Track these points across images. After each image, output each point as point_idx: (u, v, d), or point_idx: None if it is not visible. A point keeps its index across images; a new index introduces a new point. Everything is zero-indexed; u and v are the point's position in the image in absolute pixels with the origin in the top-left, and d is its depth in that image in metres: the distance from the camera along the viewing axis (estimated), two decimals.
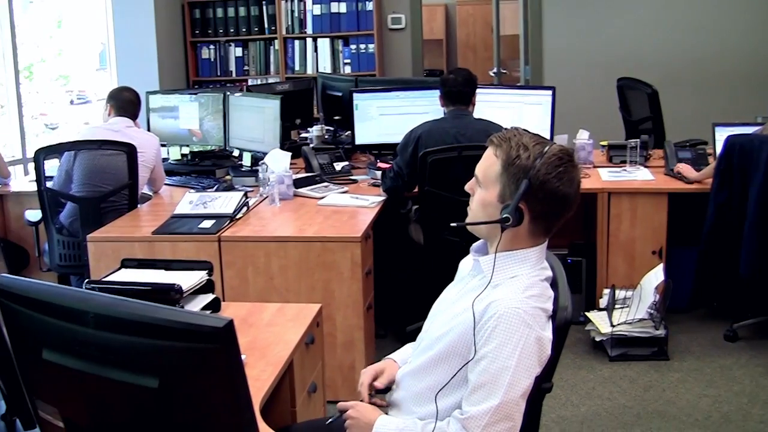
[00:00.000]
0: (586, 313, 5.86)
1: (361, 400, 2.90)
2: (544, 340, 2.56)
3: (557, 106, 6.62)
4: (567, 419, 4.91)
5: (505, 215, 2.58)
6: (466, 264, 2.92)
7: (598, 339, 5.69)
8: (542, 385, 2.67)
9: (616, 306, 5.74)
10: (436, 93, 5.90)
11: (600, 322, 5.68)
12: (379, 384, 2.94)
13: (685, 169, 6.03)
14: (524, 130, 2.70)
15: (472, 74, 5.83)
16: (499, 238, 2.64)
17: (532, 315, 2.53)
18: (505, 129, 2.75)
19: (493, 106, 6.51)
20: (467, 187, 2.77)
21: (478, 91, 5.83)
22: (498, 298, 2.54)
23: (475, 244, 2.85)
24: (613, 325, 5.59)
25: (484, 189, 2.68)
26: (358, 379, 2.98)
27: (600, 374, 5.45)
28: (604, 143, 6.90)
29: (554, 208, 2.63)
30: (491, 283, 2.62)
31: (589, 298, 6.14)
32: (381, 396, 2.94)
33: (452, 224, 2.77)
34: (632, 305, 5.62)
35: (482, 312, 2.54)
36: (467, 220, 2.75)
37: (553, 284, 2.74)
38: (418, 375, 2.76)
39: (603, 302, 5.87)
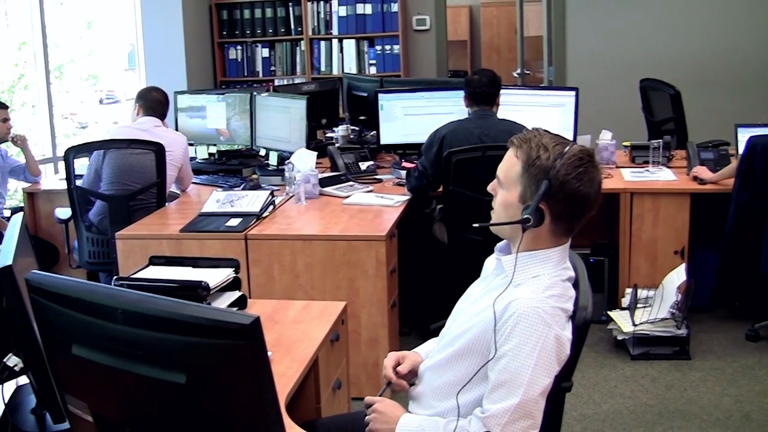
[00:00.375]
0: (609, 313, 5.84)
1: (388, 384, 2.93)
2: (563, 339, 2.55)
3: (580, 107, 6.60)
4: (589, 417, 4.90)
5: (525, 216, 2.57)
6: (490, 263, 2.92)
7: (620, 338, 5.67)
8: (562, 384, 2.66)
9: (638, 305, 5.72)
10: (461, 94, 5.89)
11: (622, 321, 5.66)
12: (402, 369, 2.94)
13: (700, 170, 6.00)
14: (545, 130, 2.69)
15: (496, 75, 5.83)
16: (520, 239, 2.63)
17: (552, 314, 2.52)
18: (526, 129, 2.74)
19: (517, 106, 6.48)
20: (490, 188, 2.77)
21: (502, 91, 5.82)
22: (518, 297, 2.54)
23: (499, 244, 2.83)
24: (635, 325, 5.58)
25: (506, 190, 2.67)
26: (382, 374, 2.98)
27: (622, 373, 5.44)
28: (627, 144, 6.87)
29: (575, 209, 2.62)
30: (513, 283, 2.61)
31: (611, 297, 6.12)
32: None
33: (474, 225, 2.77)
34: (654, 305, 5.60)
35: (502, 311, 2.54)
36: (491, 220, 2.75)
37: (575, 284, 2.73)
38: (439, 370, 2.76)
39: (625, 301, 5.85)
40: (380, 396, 2.84)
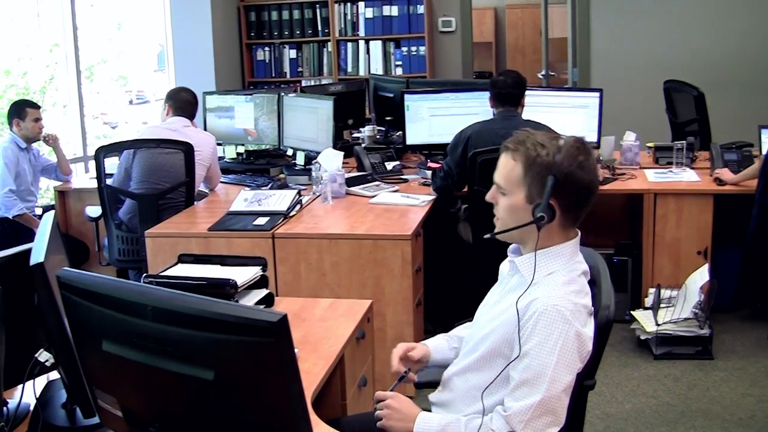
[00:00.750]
0: (632, 312, 5.83)
1: (405, 373, 2.94)
2: (583, 335, 2.55)
3: (604, 108, 6.58)
4: (612, 416, 4.88)
5: (539, 214, 2.57)
6: (505, 266, 2.92)
7: (643, 337, 5.65)
8: (585, 383, 2.65)
9: (662, 305, 5.69)
10: (486, 94, 5.88)
11: (645, 320, 5.64)
12: (415, 354, 2.97)
13: (723, 172, 5.97)
14: (533, 129, 2.70)
15: (521, 76, 5.81)
16: (536, 238, 2.62)
17: (572, 311, 2.52)
18: (516, 133, 2.72)
19: (542, 107, 6.48)
20: (489, 198, 2.77)
21: (526, 92, 5.81)
22: (538, 296, 2.54)
23: (511, 246, 2.83)
24: (658, 324, 5.56)
25: (509, 195, 2.66)
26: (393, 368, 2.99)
27: (644, 372, 5.42)
28: (651, 145, 6.85)
29: (581, 197, 2.63)
30: (532, 283, 2.61)
31: (634, 297, 6.10)
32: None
33: (485, 236, 2.77)
34: (677, 305, 5.57)
35: (524, 309, 2.54)
36: (498, 228, 2.73)
37: (595, 282, 2.72)
38: (465, 375, 2.76)
39: (648, 301, 5.83)
40: (392, 391, 2.82)
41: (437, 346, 3.05)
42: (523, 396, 2.48)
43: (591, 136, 6.70)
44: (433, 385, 3.00)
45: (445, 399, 2.85)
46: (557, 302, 2.51)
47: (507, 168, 2.66)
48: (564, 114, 6.62)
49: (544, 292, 2.56)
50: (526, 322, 2.52)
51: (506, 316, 2.60)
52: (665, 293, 5.77)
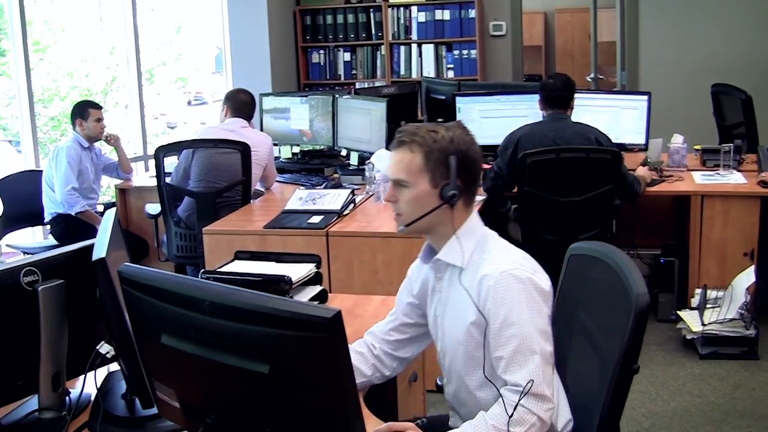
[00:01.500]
0: (678, 312, 5.77)
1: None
2: (539, 283, 2.60)
3: (652, 111, 6.55)
4: (657, 414, 4.84)
5: (451, 192, 2.62)
6: (423, 278, 2.91)
7: (689, 337, 5.60)
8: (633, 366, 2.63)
9: (708, 305, 5.64)
10: (535, 97, 5.86)
11: (691, 320, 5.59)
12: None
13: None
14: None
15: (571, 79, 5.79)
16: (451, 219, 2.66)
17: (520, 268, 2.58)
18: (398, 130, 2.75)
19: (591, 110, 6.46)
20: (388, 198, 2.76)
21: (575, 95, 5.78)
22: (486, 273, 2.58)
23: (421, 253, 2.86)
24: (704, 324, 5.50)
25: (413, 186, 2.66)
26: None
27: (690, 372, 5.37)
28: (698, 147, 6.78)
29: (476, 171, 2.72)
30: (470, 264, 2.65)
31: (680, 297, 6.04)
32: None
33: (399, 229, 2.77)
34: (723, 305, 5.52)
35: (477, 288, 2.58)
36: (405, 221, 2.73)
37: (619, 274, 2.69)
38: (467, 388, 2.74)
39: (694, 302, 5.77)
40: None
41: None
42: (522, 363, 2.49)
43: (639, 139, 6.66)
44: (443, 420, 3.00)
45: (466, 414, 2.77)
46: (505, 267, 2.56)
47: (406, 161, 2.66)
48: (612, 116, 6.59)
49: (489, 267, 2.59)
50: (484, 301, 2.55)
51: (464, 308, 2.62)
52: (711, 294, 5.71)
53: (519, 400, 2.45)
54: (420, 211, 2.67)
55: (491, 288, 2.53)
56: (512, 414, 2.44)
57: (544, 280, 2.63)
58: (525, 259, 2.65)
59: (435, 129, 2.66)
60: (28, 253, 6.51)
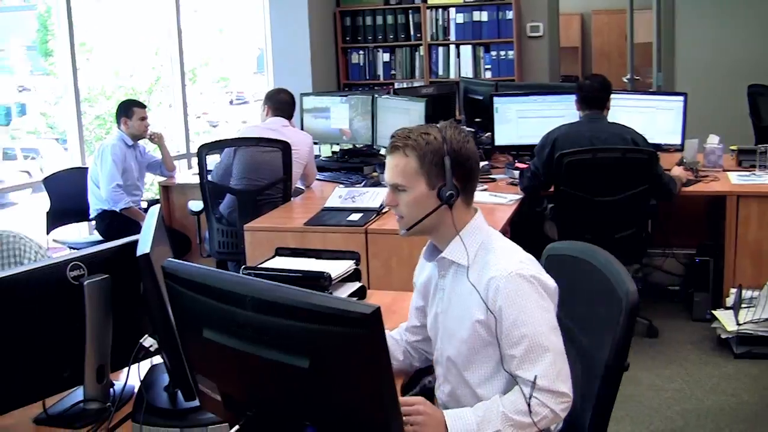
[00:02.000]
0: (713, 311, 5.73)
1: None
2: (546, 282, 2.59)
3: (688, 112, 6.50)
4: (691, 412, 4.81)
5: (449, 192, 2.61)
6: (427, 276, 2.90)
7: (723, 336, 5.56)
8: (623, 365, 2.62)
9: (743, 305, 5.59)
10: (572, 98, 5.84)
11: (726, 320, 5.55)
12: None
13: None
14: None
15: (607, 80, 5.77)
16: (452, 218, 2.65)
17: (527, 268, 2.57)
18: (391, 135, 2.74)
19: (627, 111, 6.42)
20: (388, 203, 2.74)
21: (612, 96, 5.76)
22: (493, 275, 2.56)
23: (424, 252, 2.84)
24: (738, 324, 5.46)
25: (411, 189, 2.64)
26: None
27: (724, 371, 5.33)
28: (734, 148, 6.72)
29: (473, 168, 2.72)
30: (475, 263, 2.64)
31: (715, 296, 5.99)
32: None
33: (401, 233, 2.74)
34: (758, 305, 5.47)
35: (485, 288, 2.56)
36: (406, 225, 2.71)
37: (605, 273, 2.69)
38: (468, 385, 2.71)
39: (729, 301, 5.73)
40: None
41: None
42: (534, 361, 2.49)
43: (675, 139, 6.61)
44: None
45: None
46: (513, 268, 2.55)
47: (401, 165, 2.65)
48: (649, 117, 6.55)
49: (495, 268, 2.58)
50: (495, 296, 2.54)
51: (472, 307, 2.60)
52: (746, 294, 5.67)
53: (531, 395, 2.47)
54: (420, 214, 2.66)
55: (500, 288, 2.53)
56: (527, 409, 2.47)
57: (550, 279, 2.63)
58: (530, 259, 2.65)
59: (427, 131, 2.66)
60: (74, 249, 6.55)
